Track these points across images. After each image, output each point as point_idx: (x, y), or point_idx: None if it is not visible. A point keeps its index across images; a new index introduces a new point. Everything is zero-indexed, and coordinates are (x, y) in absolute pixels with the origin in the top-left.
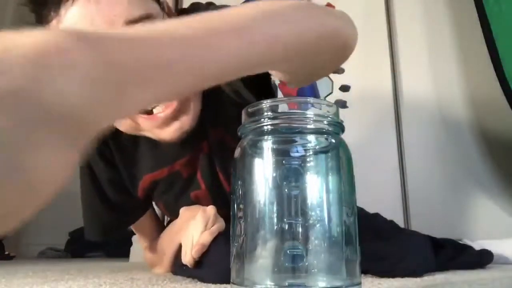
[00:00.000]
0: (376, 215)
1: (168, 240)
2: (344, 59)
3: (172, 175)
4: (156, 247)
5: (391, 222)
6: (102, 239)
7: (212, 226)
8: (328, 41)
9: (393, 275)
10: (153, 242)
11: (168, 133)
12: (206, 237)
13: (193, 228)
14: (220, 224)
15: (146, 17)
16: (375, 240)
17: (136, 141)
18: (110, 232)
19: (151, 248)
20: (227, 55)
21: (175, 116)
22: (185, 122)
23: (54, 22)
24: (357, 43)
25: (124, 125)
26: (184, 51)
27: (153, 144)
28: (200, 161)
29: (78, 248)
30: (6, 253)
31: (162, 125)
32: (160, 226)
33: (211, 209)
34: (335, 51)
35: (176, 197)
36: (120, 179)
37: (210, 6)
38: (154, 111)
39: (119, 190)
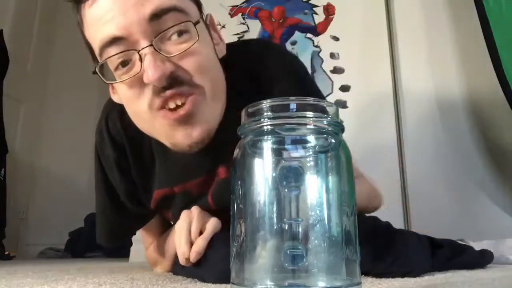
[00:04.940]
0: (371, 218)
1: (170, 240)
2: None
3: (182, 193)
4: (160, 244)
5: (386, 223)
6: (113, 244)
7: (195, 226)
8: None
9: (388, 276)
10: (159, 239)
11: (179, 136)
12: (200, 244)
13: (179, 231)
14: (214, 224)
15: (176, 10)
16: (369, 241)
17: (153, 154)
18: (121, 237)
19: (156, 245)
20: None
21: (187, 120)
22: (197, 130)
23: (89, 1)
24: (357, 43)
25: (141, 122)
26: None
27: (169, 160)
28: (215, 185)
29: (78, 248)
30: (6, 253)
31: (175, 123)
32: (166, 223)
33: (194, 209)
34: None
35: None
36: (137, 192)
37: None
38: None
39: (136, 202)
